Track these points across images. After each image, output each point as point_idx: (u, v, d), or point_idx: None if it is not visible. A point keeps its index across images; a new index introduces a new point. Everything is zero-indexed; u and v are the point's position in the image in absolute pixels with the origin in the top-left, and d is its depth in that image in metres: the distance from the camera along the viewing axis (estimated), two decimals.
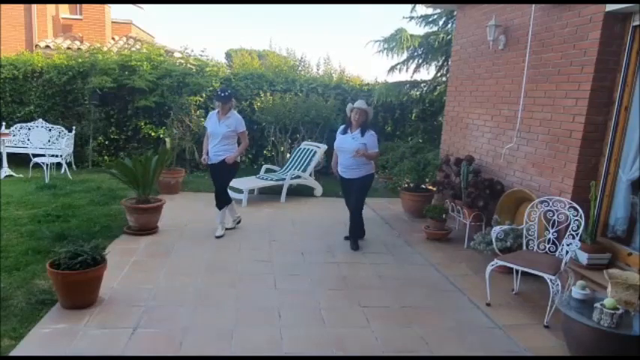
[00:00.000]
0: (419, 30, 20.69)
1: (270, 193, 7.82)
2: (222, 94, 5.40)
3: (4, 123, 8.86)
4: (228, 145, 5.48)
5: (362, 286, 4.38)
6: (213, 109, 9.50)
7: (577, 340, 3.10)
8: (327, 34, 40.81)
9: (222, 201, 5.64)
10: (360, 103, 5.30)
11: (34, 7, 14.08)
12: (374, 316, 3.75)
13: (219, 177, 5.59)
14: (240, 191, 7.27)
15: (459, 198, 5.97)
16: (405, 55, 9.72)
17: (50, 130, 9.08)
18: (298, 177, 7.84)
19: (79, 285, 3.55)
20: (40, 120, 9.15)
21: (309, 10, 46.52)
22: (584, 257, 4.15)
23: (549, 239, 4.14)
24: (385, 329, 3.55)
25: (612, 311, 2.89)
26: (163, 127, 9.34)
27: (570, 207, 4.06)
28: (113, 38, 15.35)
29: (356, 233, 5.48)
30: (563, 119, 4.56)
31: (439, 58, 9.64)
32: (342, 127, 5.50)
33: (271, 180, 7.63)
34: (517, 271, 4.23)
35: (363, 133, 5.22)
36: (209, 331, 3.39)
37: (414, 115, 10.46)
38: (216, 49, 38.26)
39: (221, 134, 5.41)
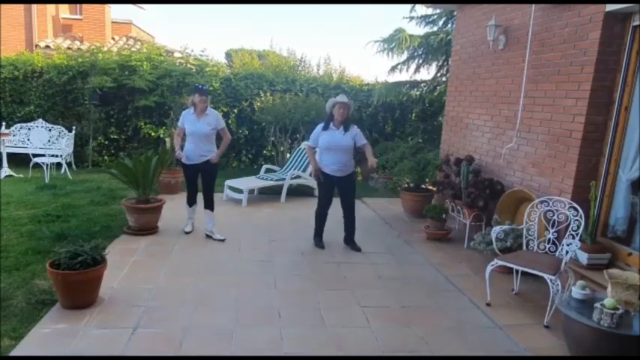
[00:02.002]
0: (419, 30, 20.66)
1: (270, 193, 7.83)
2: (203, 87, 5.25)
3: (4, 123, 8.87)
4: (209, 144, 5.36)
5: (362, 286, 4.38)
6: (213, 108, 9.54)
7: (577, 340, 3.10)
8: (327, 34, 40.81)
9: (211, 202, 5.49)
10: (342, 97, 5.15)
11: (34, 7, 14.08)
12: (374, 316, 3.75)
13: (204, 178, 5.44)
14: (240, 191, 7.27)
15: (459, 198, 5.97)
16: (405, 56, 9.73)
17: (50, 130, 9.09)
18: (298, 177, 7.84)
19: (79, 285, 3.55)
20: (40, 120, 9.16)
21: (309, 10, 46.52)
22: (584, 257, 4.15)
23: (549, 239, 4.14)
24: (385, 329, 3.55)
25: (612, 311, 2.89)
26: (163, 127, 9.35)
27: (570, 207, 4.06)
28: (113, 38, 15.35)
29: (354, 232, 5.44)
30: (563, 119, 4.56)
31: (439, 58, 9.63)
32: (321, 124, 5.24)
33: (271, 180, 7.63)
34: (517, 271, 4.23)
35: (347, 129, 5.13)
36: (209, 331, 3.39)
37: (414, 115, 10.46)
38: (216, 49, 38.27)
39: (202, 133, 5.24)
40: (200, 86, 5.30)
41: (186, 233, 5.53)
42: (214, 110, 5.53)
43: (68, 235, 5.00)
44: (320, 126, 5.26)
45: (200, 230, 5.70)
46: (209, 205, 5.50)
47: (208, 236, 5.48)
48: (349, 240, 5.44)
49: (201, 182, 5.47)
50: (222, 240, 5.40)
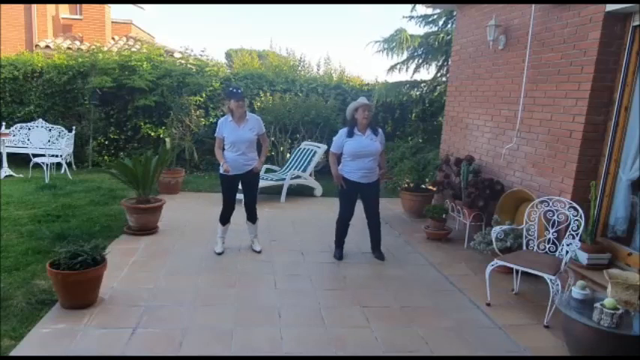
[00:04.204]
0: (419, 30, 20.72)
1: (270, 193, 7.82)
2: (238, 91, 4.73)
3: (4, 123, 8.87)
4: (253, 151, 4.90)
5: (362, 286, 4.38)
6: (213, 108, 9.55)
7: (577, 340, 3.10)
8: (327, 34, 40.83)
9: (254, 215, 5.16)
10: (364, 99, 4.85)
11: (34, 7, 14.08)
12: (374, 316, 3.75)
13: (248, 189, 5.03)
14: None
15: (459, 198, 5.97)
16: (405, 55, 9.73)
17: (50, 130, 9.09)
18: (298, 177, 7.84)
19: (79, 285, 3.55)
20: (40, 120, 9.16)
21: (309, 10, 46.53)
22: (584, 257, 4.15)
23: (549, 239, 4.14)
24: (385, 329, 3.55)
25: (612, 311, 2.89)
26: (163, 127, 9.34)
27: (570, 207, 4.06)
28: (113, 38, 15.34)
29: (380, 240, 5.17)
30: (563, 119, 4.56)
31: (439, 58, 9.64)
32: (345, 129, 4.89)
33: (271, 180, 7.63)
34: (517, 271, 4.23)
35: (375, 133, 4.84)
36: (209, 331, 3.39)
37: (414, 115, 10.46)
38: (216, 49, 38.28)
39: (247, 141, 4.77)
40: (234, 90, 4.76)
41: (218, 254, 4.99)
42: (254, 114, 5.05)
43: (68, 235, 4.98)
44: (343, 131, 4.91)
45: (200, 230, 5.70)
46: (252, 217, 5.15)
47: (254, 250, 5.13)
48: (375, 248, 5.18)
49: (243, 194, 5.07)
50: (259, 252, 5.12)
